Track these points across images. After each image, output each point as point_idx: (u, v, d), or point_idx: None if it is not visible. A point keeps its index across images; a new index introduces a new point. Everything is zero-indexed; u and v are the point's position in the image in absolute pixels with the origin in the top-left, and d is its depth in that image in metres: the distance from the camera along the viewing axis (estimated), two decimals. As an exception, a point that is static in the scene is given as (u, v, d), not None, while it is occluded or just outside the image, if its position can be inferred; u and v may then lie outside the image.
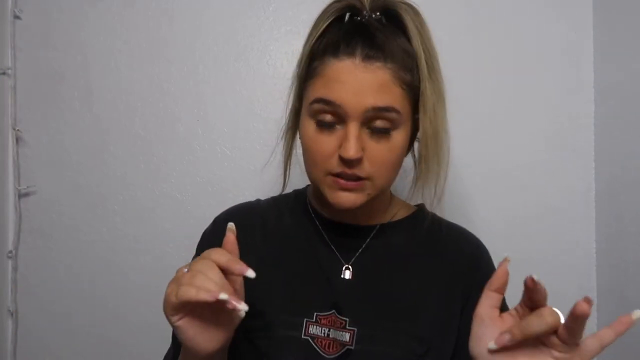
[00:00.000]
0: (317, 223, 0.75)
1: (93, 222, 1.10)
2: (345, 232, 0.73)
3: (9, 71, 1.08)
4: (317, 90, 0.65)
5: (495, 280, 0.55)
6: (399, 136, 0.65)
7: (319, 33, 0.67)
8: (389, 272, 0.71)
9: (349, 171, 0.64)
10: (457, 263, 0.72)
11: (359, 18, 0.67)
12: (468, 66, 1.07)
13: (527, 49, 1.07)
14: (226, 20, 1.08)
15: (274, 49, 1.08)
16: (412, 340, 0.66)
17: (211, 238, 0.68)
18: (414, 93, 0.66)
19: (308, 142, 0.67)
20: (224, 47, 1.08)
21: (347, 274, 0.71)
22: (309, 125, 0.66)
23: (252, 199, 0.83)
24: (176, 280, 0.55)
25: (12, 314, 1.09)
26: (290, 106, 0.73)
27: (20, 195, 1.10)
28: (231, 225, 0.61)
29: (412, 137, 0.70)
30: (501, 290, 0.55)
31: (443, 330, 0.68)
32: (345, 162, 0.63)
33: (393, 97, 0.63)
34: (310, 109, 0.65)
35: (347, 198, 0.65)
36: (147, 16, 1.09)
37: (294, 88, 0.72)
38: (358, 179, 0.64)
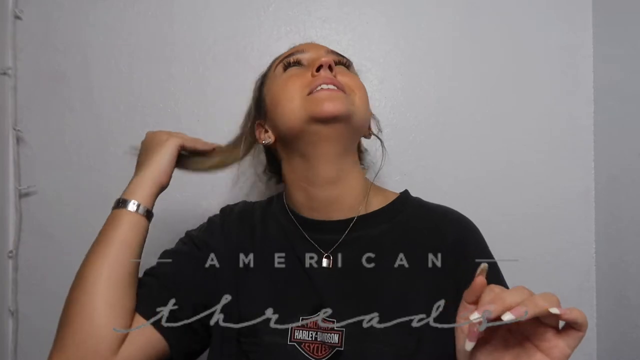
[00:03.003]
0: (297, 223, 0.74)
1: (93, 222, 1.08)
2: (325, 228, 0.72)
3: (10, 71, 1.08)
4: (280, 59, 0.77)
5: (471, 293, 0.52)
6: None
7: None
8: (373, 265, 0.69)
9: (326, 75, 0.69)
10: (444, 246, 0.70)
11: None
12: (467, 66, 1.07)
13: (527, 49, 1.07)
14: (226, 20, 1.09)
15: (274, 49, 1.08)
16: (402, 335, 0.64)
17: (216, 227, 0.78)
18: None
19: (282, 86, 0.73)
20: (224, 47, 1.09)
21: (324, 262, 0.70)
22: (278, 77, 0.75)
23: (252, 199, 0.84)
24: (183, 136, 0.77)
25: (12, 314, 1.09)
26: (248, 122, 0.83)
27: (21, 195, 1.10)
28: None
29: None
30: (477, 302, 0.52)
31: (435, 318, 0.64)
32: (320, 72, 0.70)
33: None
34: (277, 68, 0.76)
35: (331, 103, 0.67)
36: (148, 16, 1.09)
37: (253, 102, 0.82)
38: (338, 88, 0.69)
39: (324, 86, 0.68)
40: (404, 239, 0.72)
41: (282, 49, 1.07)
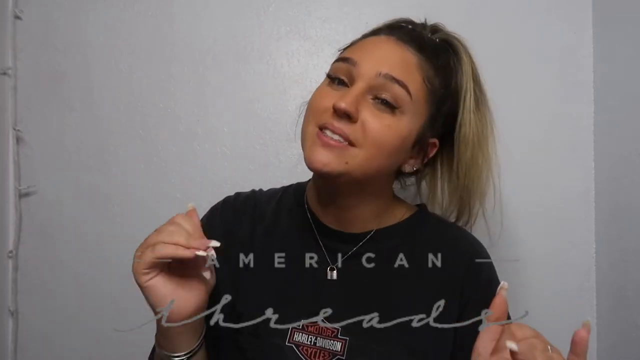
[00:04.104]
0: (313, 227, 0.72)
1: (93, 222, 1.10)
2: (340, 238, 0.71)
3: (10, 71, 1.08)
4: (342, 54, 0.68)
5: (494, 309, 0.52)
6: (403, 121, 0.63)
7: (373, 28, 0.71)
8: (381, 279, 0.69)
9: (336, 124, 0.61)
10: (454, 268, 0.69)
11: (415, 30, 0.70)
12: (468, 66, 1.07)
13: (527, 49, 1.06)
14: (226, 20, 1.09)
15: (274, 49, 1.09)
16: (405, 351, 0.64)
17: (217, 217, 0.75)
18: (436, 103, 0.67)
19: (312, 97, 0.67)
20: (224, 47, 1.08)
21: (334, 275, 0.69)
22: (321, 84, 0.68)
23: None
24: (147, 242, 0.57)
25: (12, 314, 1.09)
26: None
27: (21, 195, 1.10)
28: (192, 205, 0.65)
29: (422, 157, 0.71)
30: (500, 320, 0.52)
31: (437, 339, 0.65)
32: (335, 113, 0.61)
33: (411, 78, 0.63)
34: (329, 69, 0.67)
35: (322, 156, 0.61)
36: (148, 16, 1.09)
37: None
38: (343, 139, 0.61)
39: (328, 133, 0.62)
40: (417, 254, 0.70)
41: (282, 49, 1.08)
